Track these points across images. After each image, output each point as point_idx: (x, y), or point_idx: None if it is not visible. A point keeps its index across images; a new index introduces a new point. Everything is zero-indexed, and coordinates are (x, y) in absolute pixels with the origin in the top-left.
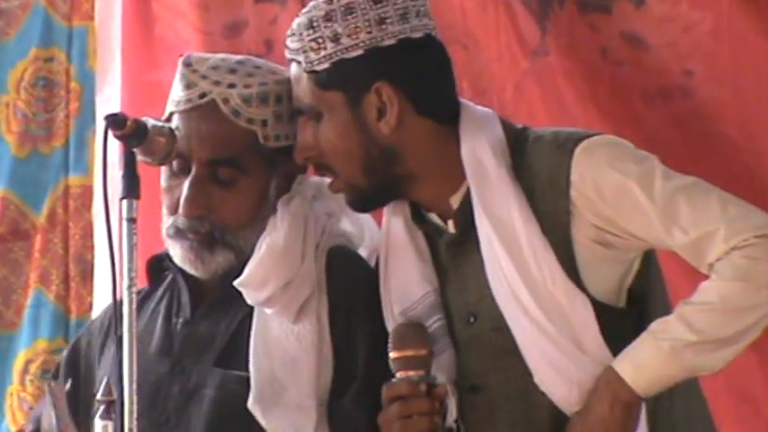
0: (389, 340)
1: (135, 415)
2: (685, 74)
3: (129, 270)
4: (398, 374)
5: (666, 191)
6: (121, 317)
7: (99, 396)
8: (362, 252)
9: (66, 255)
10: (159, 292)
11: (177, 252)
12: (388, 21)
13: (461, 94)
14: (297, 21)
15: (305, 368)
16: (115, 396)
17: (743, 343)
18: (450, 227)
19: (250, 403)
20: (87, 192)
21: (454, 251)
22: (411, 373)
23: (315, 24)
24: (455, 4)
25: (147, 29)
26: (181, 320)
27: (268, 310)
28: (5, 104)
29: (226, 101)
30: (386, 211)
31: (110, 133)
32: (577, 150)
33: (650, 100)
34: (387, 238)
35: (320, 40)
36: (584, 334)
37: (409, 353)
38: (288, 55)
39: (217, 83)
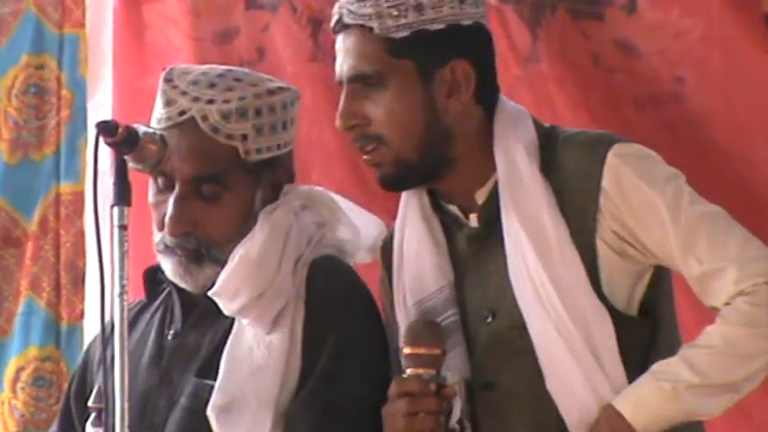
0: (403, 335)
1: (126, 421)
2: (676, 80)
3: (121, 278)
4: (408, 371)
5: (691, 216)
6: (112, 324)
7: (90, 403)
8: (362, 256)
9: (57, 262)
10: (155, 305)
11: (168, 267)
12: (468, 1)
13: None
14: None
15: (269, 376)
16: (106, 404)
17: (744, 391)
18: (473, 221)
19: (208, 410)
20: (79, 199)
21: (476, 246)
22: (421, 370)
23: None
24: None
25: (139, 36)
26: (172, 332)
27: (243, 320)
28: None
29: (205, 118)
30: (404, 198)
31: (101, 140)
32: (609, 155)
33: (641, 106)
34: (403, 226)
35: (402, 8)
36: (603, 346)
37: (422, 351)
38: (349, 20)
39: (196, 99)
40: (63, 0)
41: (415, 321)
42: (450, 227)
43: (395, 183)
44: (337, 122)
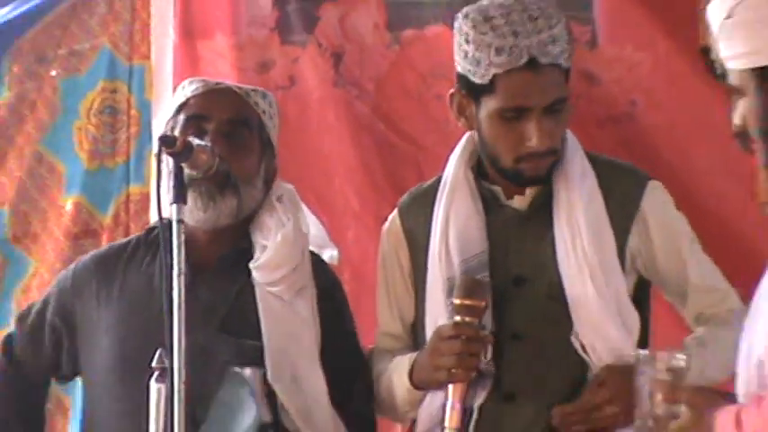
0: (458, 287)
1: (183, 379)
2: (630, 104)
3: (179, 262)
4: (457, 317)
5: (698, 249)
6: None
7: (154, 364)
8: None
9: None
10: (148, 256)
11: (189, 203)
12: None
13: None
14: None
15: (306, 340)
16: (166, 364)
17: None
18: (517, 202)
19: (270, 378)
20: (145, 198)
21: (522, 224)
22: (468, 318)
23: None
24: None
25: (193, 66)
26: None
27: (273, 289)
28: (78, 128)
29: (238, 87)
30: (452, 177)
31: (163, 151)
32: (650, 184)
33: (602, 125)
34: (450, 199)
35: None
36: (624, 302)
37: (470, 302)
38: (545, 60)
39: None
40: (132, 37)
41: (466, 278)
42: (489, 202)
43: (546, 177)
44: (546, 143)
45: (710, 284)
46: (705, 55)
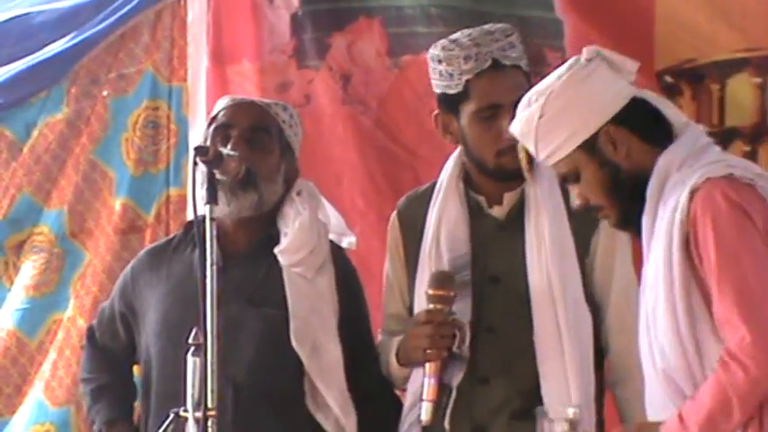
0: (430, 279)
1: (215, 351)
2: None
3: (212, 253)
4: (430, 306)
5: (630, 272)
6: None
7: (190, 341)
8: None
9: None
10: (189, 247)
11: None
12: None
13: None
14: None
15: (325, 313)
16: (201, 341)
17: None
18: (497, 211)
19: (294, 344)
20: (183, 199)
21: (497, 230)
22: (440, 306)
23: None
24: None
25: (223, 87)
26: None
27: (296, 269)
28: (126, 139)
29: (261, 101)
30: (445, 186)
31: (198, 159)
32: None
33: None
34: (443, 205)
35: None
36: (580, 306)
37: (442, 293)
38: (506, 62)
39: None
40: (171, 62)
41: (437, 272)
42: (474, 210)
43: (517, 175)
44: (510, 137)
45: (627, 306)
46: (659, 79)
